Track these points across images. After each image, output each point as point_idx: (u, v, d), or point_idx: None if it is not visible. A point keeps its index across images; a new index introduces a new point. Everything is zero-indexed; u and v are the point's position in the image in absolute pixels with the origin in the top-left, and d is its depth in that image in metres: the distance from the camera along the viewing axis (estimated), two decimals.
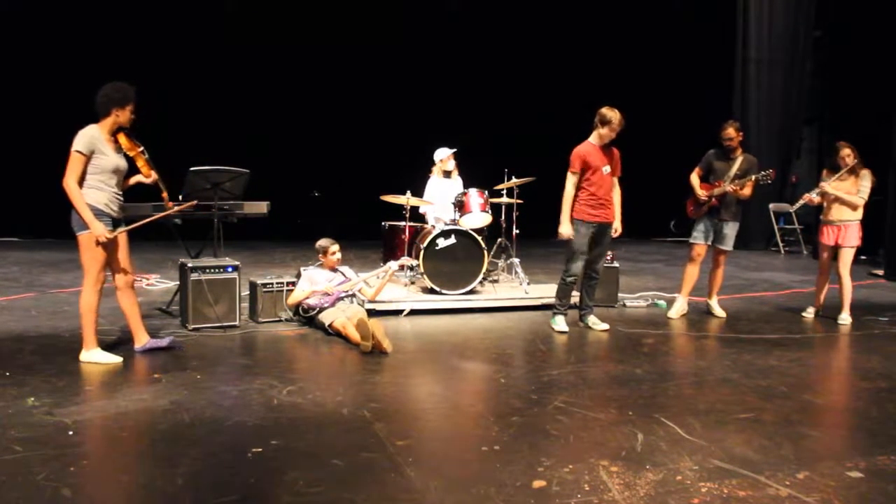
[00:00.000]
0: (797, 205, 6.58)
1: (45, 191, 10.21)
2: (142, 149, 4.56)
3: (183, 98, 10.69)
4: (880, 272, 9.30)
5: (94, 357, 4.44)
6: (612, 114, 5.48)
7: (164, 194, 4.86)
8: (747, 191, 6.12)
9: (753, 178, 6.04)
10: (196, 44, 10.99)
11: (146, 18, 10.81)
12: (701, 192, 6.24)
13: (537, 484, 2.86)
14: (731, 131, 6.17)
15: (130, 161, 4.55)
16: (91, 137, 4.29)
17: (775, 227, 12.34)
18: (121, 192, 4.51)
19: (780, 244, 12.17)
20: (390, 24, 11.93)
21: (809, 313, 6.50)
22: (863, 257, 10.47)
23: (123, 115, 4.40)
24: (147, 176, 4.63)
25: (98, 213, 4.30)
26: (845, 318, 6.20)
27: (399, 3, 11.91)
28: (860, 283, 8.43)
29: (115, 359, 4.46)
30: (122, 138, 4.47)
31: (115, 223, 4.46)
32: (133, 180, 4.64)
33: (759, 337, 5.68)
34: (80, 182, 4.27)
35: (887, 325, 6.23)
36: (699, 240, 6.29)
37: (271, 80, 11.59)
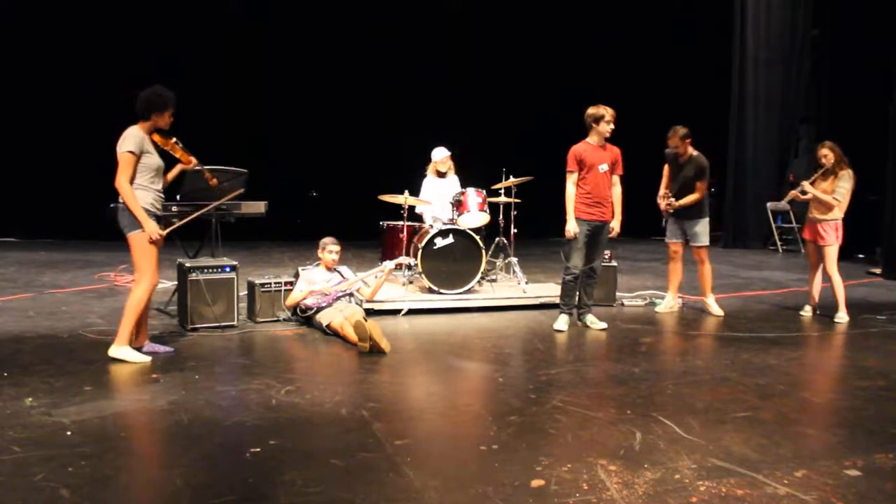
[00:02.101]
0: (785, 199, 6.90)
1: (42, 191, 10.30)
2: (175, 139, 4.65)
3: (182, 98, 10.64)
4: (878, 271, 9.31)
5: (125, 354, 4.45)
6: (602, 108, 5.51)
7: (213, 180, 4.95)
8: (691, 198, 6.16)
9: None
10: (195, 44, 10.96)
11: (146, 19, 10.79)
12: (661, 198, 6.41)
13: (536, 483, 2.86)
14: (674, 139, 6.25)
15: (166, 158, 4.65)
16: (140, 138, 4.42)
17: (773, 226, 12.34)
18: (162, 191, 4.62)
19: (778, 243, 12.18)
20: (390, 24, 11.92)
21: (807, 312, 6.51)
22: (860, 256, 10.49)
23: (162, 120, 4.53)
24: (188, 163, 4.74)
25: (147, 213, 4.42)
26: (842, 316, 6.21)
27: (399, 3, 11.90)
28: (858, 282, 8.45)
29: (144, 358, 4.48)
30: (155, 136, 4.58)
31: (158, 221, 4.56)
32: (173, 172, 4.75)
33: (756, 336, 5.68)
34: (131, 182, 4.38)
35: (885, 324, 6.24)
36: (669, 238, 6.53)
37: (270, 79, 11.58)
